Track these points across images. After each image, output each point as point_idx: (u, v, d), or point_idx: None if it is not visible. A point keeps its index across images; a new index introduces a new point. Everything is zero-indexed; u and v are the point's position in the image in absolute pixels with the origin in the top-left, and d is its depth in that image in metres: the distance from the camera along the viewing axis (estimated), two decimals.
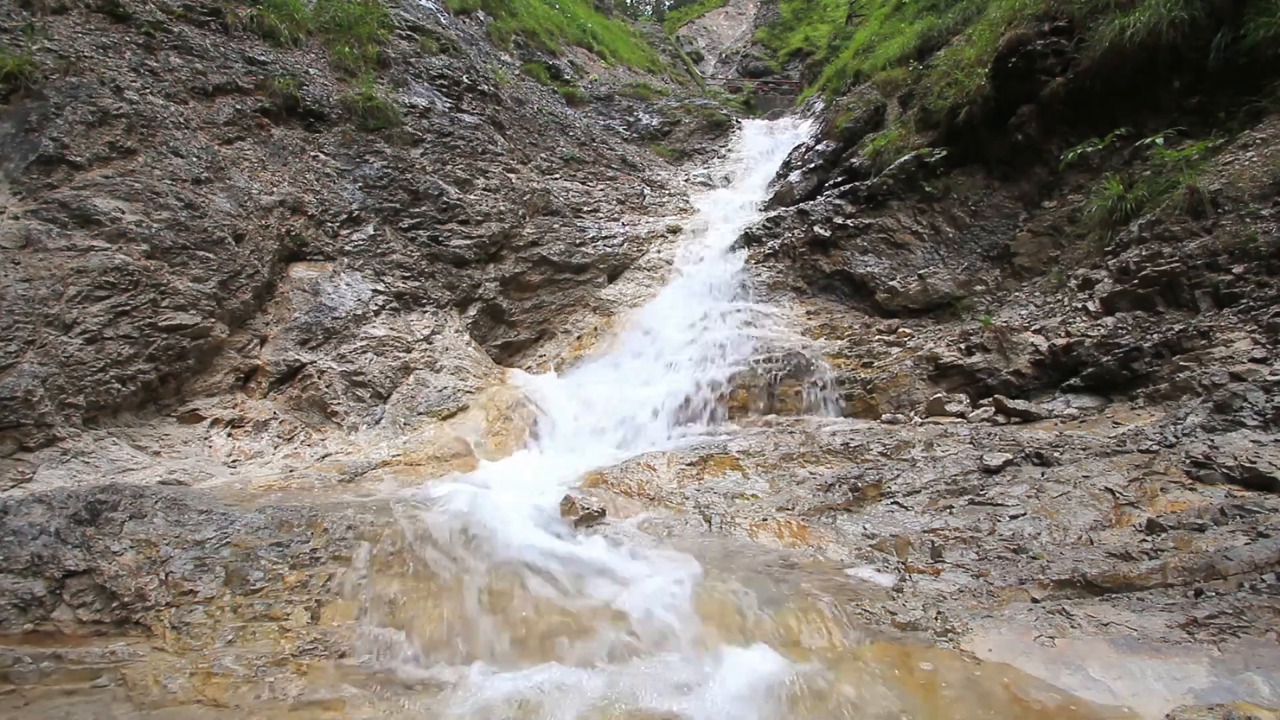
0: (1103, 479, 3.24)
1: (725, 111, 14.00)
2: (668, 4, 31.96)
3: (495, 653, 2.66)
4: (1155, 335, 4.19)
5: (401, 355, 5.93)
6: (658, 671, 2.50)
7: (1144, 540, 2.78)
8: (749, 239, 8.01)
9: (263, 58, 7.02)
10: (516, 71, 11.49)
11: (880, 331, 6.07)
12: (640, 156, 11.38)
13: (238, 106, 6.41)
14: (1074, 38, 5.93)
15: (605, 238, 8.44)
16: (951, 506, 3.42)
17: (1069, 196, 5.87)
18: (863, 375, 5.38)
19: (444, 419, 5.57)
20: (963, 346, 5.16)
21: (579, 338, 7.41)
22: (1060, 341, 4.65)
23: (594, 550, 3.35)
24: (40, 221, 4.56)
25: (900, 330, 5.95)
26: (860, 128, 9.29)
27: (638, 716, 2.28)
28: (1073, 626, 2.47)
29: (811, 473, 4.12)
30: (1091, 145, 5.59)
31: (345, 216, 6.59)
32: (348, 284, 6.16)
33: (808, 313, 6.81)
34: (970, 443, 4.00)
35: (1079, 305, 4.96)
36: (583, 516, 3.73)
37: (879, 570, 3.12)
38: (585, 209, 8.85)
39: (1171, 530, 2.75)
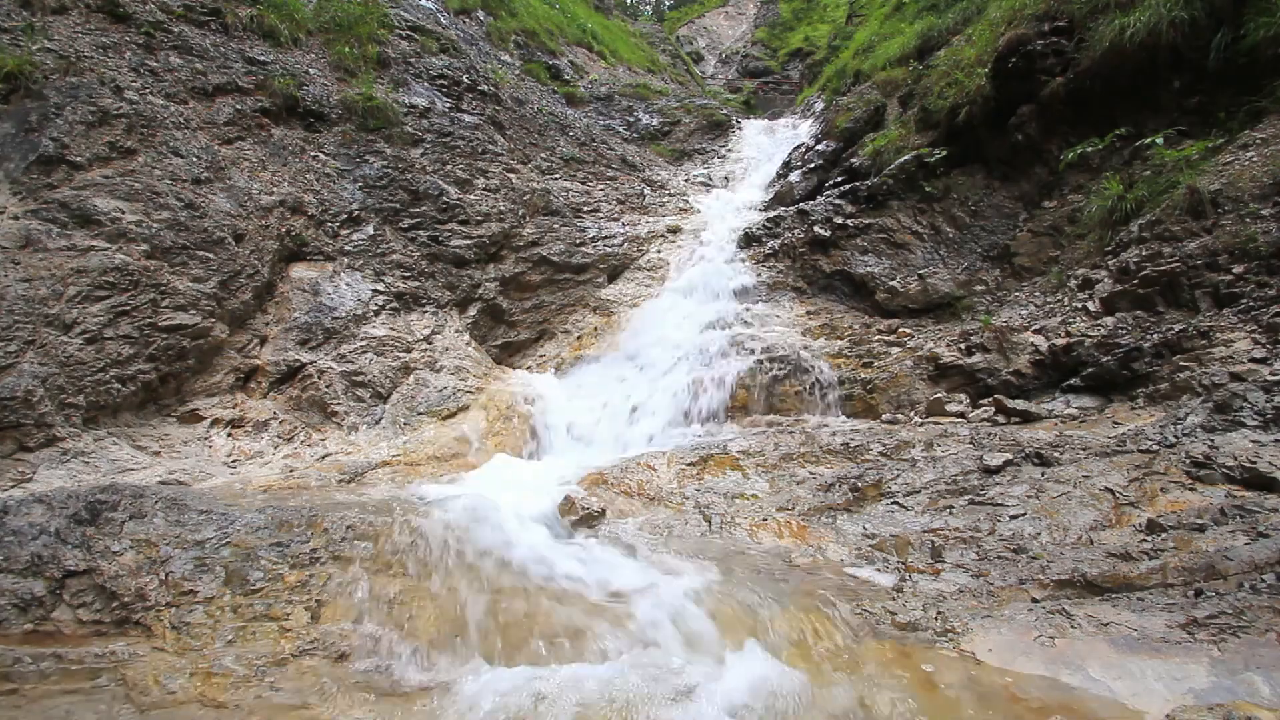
0: (1103, 479, 3.24)
1: (725, 111, 14.00)
2: (668, 4, 31.96)
3: (494, 653, 2.66)
4: (1155, 335, 4.19)
5: (401, 355, 5.93)
6: (656, 672, 2.50)
7: (1144, 540, 2.78)
8: (749, 239, 8.01)
9: (263, 58, 7.02)
10: (516, 71, 11.49)
11: (880, 331, 6.07)
12: (640, 156, 11.38)
13: (238, 106, 6.41)
14: (1074, 38, 5.93)
15: (605, 238, 8.43)
16: (951, 506, 3.42)
17: (1069, 196, 5.87)
18: (863, 375, 5.38)
19: (444, 419, 5.57)
20: (963, 346, 5.16)
21: (579, 338, 7.41)
22: (1060, 341, 4.65)
23: (594, 550, 3.35)
24: (40, 221, 4.56)
25: (900, 330, 5.95)
26: (860, 128, 9.29)
27: (636, 717, 2.27)
28: (1073, 626, 2.47)
29: (811, 473, 4.12)
30: (1091, 145, 5.59)
31: (345, 216, 6.59)
32: (348, 284, 6.16)
33: (808, 313, 6.81)
34: (970, 443, 4.00)
35: (1079, 305, 4.96)
36: (583, 517, 3.73)
37: (879, 570, 3.12)
38: (585, 209, 8.85)
39: (1171, 530, 2.75)
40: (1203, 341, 3.92)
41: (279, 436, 5.07)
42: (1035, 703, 2.19)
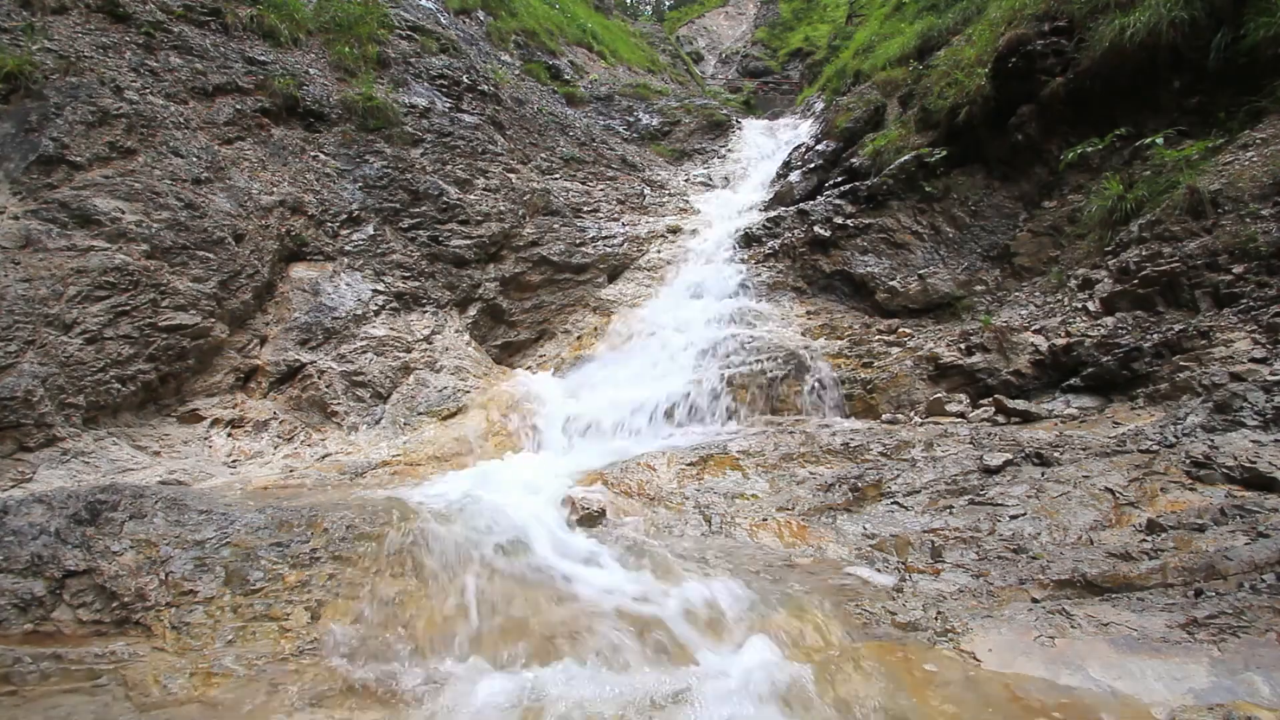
0: (1103, 479, 3.24)
1: (725, 111, 14.01)
2: (668, 4, 31.96)
3: (494, 653, 2.66)
4: (1155, 335, 4.19)
5: (401, 355, 5.93)
6: (656, 672, 2.50)
7: (1144, 540, 2.78)
8: (749, 239, 8.01)
9: (263, 58, 7.02)
10: (516, 71, 11.50)
11: (880, 331, 6.07)
12: (640, 156, 11.38)
13: (238, 106, 6.41)
14: (1074, 38, 5.93)
15: (605, 238, 8.44)
16: (951, 506, 3.42)
17: (1069, 196, 5.87)
18: (863, 375, 5.38)
19: (444, 419, 5.57)
20: (963, 346, 5.16)
21: (579, 338, 7.41)
22: (1060, 341, 4.65)
23: (594, 550, 3.35)
24: (40, 221, 4.56)
25: (900, 330, 5.95)
26: (860, 128, 9.29)
27: (636, 717, 2.27)
28: (1073, 626, 2.47)
29: (811, 473, 4.12)
30: (1091, 145, 5.59)
31: (345, 216, 6.59)
32: (348, 284, 6.16)
33: (808, 313, 6.81)
34: (970, 443, 4.00)
35: (1079, 305, 4.96)
36: (583, 516, 3.73)
37: (879, 570, 3.12)
38: (585, 209, 8.85)
39: (1171, 530, 2.75)
40: (1203, 341, 3.92)
41: (279, 436, 5.07)
42: (1035, 703, 2.19)
